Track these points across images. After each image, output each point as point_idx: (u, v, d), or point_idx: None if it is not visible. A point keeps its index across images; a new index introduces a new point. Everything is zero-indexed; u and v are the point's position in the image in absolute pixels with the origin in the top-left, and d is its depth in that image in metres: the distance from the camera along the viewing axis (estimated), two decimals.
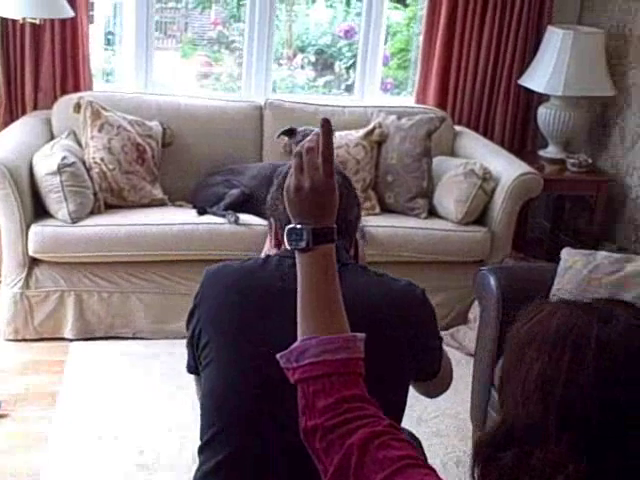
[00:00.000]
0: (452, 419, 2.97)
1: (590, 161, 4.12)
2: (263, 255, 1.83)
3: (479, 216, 3.73)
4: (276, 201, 1.74)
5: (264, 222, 3.58)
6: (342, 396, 1.14)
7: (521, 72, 4.34)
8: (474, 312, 3.45)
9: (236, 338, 1.60)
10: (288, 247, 1.27)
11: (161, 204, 3.70)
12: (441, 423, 2.96)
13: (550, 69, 4.07)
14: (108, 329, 3.47)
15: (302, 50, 5.09)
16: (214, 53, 4.89)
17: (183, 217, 3.52)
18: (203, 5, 4.93)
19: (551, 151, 4.31)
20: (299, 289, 1.27)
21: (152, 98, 4.00)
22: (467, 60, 4.37)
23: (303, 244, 1.22)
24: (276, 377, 1.54)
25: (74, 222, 3.37)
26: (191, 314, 1.69)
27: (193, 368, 1.73)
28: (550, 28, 4.20)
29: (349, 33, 5.22)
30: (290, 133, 3.72)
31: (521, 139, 4.53)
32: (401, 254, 3.58)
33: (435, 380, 1.80)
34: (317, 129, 1.24)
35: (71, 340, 3.40)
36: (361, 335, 1.22)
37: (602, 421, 0.90)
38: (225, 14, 4.88)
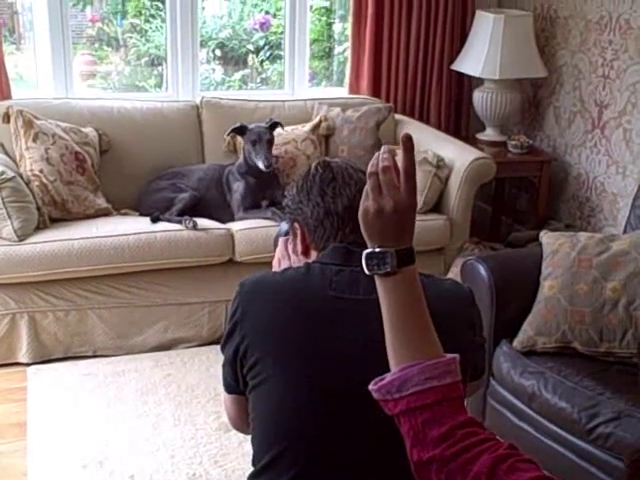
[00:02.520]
0: None
1: (530, 142, 4.19)
2: (279, 266, 1.74)
3: (435, 204, 3.72)
4: (299, 204, 1.65)
5: (222, 225, 3.46)
6: (455, 423, 1.08)
7: (452, 57, 4.36)
8: None
9: (292, 354, 1.50)
10: (367, 272, 1.18)
11: (106, 214, 3.51)
12: None
13: (484, 53, 4.10)
14: (66, 349, 3.26)
15: (202, 45, 4.95)
16: (96, 51, 4.65)
17: (137, 226, 3.34)
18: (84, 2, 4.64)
19: (489, 134, 4.35)
20: (385, 315, 1.19)
21: (82, 103, 3.79)
22: (398, 48, 4.35)
23: (388, 268, 1.14)
24: (338, 392, 1.48)
25: (21, 240, 3.15)
26: (231, 333, 1.57)
27: (234, 388, 1.61)
28: (479, 12, 4.23)
29: (264, 25, 5.13)
30: (241, 131, 3.60)
31: (456, 124, 4.56)
32: None
33: (480, 380, 1.76)
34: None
35: (27, 364, 3.18)
36: (457, 355, 1.17)
37: None
38: (104, 10, 4.63)
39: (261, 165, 3.44)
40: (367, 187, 1.15)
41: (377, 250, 1.15)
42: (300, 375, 1.49)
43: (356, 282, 1.53)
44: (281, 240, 1.83)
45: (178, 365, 3.20)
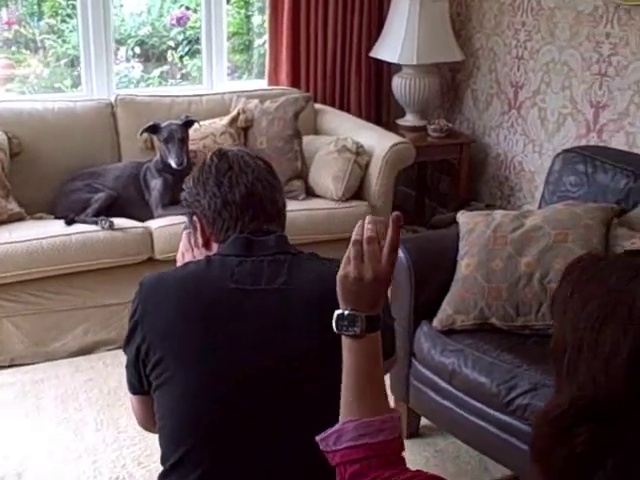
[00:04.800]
0: None
1: (450, 125, 4.22)
2: (183, 260, 1.70)
3: (357, 191, 3.70)
4: (196, 197, 1.62)
5: (140, 224, 3.39)
6: (380, 477, 1.13)
7: (370, 45, 4.36)
8: None
9: (195, 350, 1.46)
10: (335, 330, 1.23)
11: (19, 218, 3.39)
12: None
13: (401, 39, 4.11)
14: None
15: (121, 43, 4.85)
16: (14, 54, 4.51)
17: (51, 229, 3.24)
18: None
19: (409, 119, 4.36)
20: (344, 371, 1.23)
21: None
22: (315, 38, 4.33)
23: (357, 331, 1.21)
24: (242, 385, 1.44)
25: None
26: (131, 333, 1.52)
27: (138, 388, 1.56)
28: None
29: (182, 20, 5.05)
30: (154, 129, 3.53)
31: (377, 111, 4.56)
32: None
33: (391, 359, 1.75)
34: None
35: None
36: (394, 415, 1.21)
37: None
38: (20, 12, 4.50)
39: (173, 163, 3.40)
40: (350, 254, 1.21)
41: (349, 313, 1.21)
42: (203, 371, 1.46)
43: (258, 272, 1.50)
44: (184, 234, 1.79)
45: (100, 368, 3.12)
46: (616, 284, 0.91)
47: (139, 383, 1.54)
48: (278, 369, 1.45)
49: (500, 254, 2.52)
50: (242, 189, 1.57)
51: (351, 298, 1.22)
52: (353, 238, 1.21)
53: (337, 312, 1.22)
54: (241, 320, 1.45)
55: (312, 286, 1.49)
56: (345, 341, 1.23)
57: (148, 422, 1.59)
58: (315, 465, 1.46)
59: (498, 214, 2.67)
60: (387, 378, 2.70)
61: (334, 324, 1.22)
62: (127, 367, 1.55)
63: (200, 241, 1.64)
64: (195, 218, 1.62)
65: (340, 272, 1.22)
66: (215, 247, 1.60)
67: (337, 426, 1.19)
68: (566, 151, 2.98)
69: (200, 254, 1.62)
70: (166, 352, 1.46)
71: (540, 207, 2.92)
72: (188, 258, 1.67)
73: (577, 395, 0.90)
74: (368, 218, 1.22)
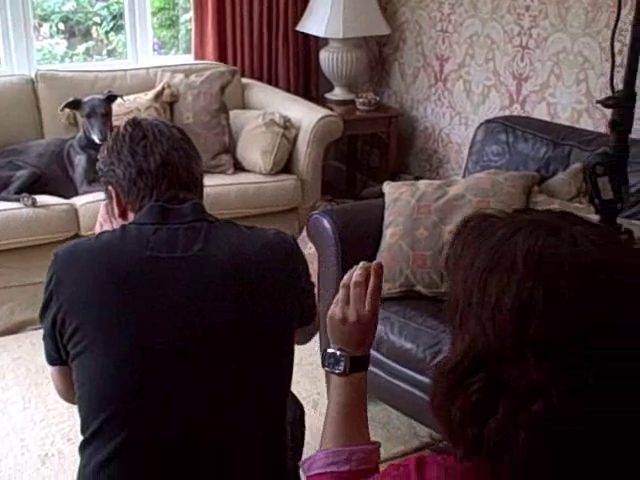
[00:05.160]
0: (300, 365, 2.95)
1: (378, 99, 4.24)
2: (100, 230, 1.69)
3: (285, 165, 3.71)
4: (111, 166, 1.61)
5: (64, 200, 3.33)
6: None
7: (296, 18, 4.34)
8: None
9: (111, 318, 1.46)
10: (323, 367, 1.29)
11: None
12: None
13: (327, 13, 4.10)
14: None
15: (45, 19, 4.73)
16: None
17: None
18: None
19: (338, 93, 4.37)
20: (329, 403, 1.29)
21: None
22: (241, 12, 4.29)
23: (341, 369, 1.27)
24: (160, 352, 1.44)
25: None
26: (47, 303, 1.51)
27: (56, 359, 1.55)
28: None
29: None
30: (75, 105, 3.46)
31: (306, 85, 4.56)
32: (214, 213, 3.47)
33: (311, 325, 1.77)
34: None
35: None
36: (374, 446, 1.25)
37: (582, 343, 0.88)
38: None
39: (96, 138, 3.35)
40: (338, 296, 1.28)
41: (334, 351, 1.28)
42: (120, 339, 1.45)
43: (174, 240, 1.50)
44: (102, 205, 1.77)
45: (27, 347, 3.07)
46: (501, 238, 0.93)
47: (57, 354, 1.53)
48: (194, 336, 1.45)
49: (424, 223, 2.56)
50: (157, 158, 1.56)
51: (337, 338, 1.29)
52: (342, 282, 1.29)
53: (325, 350, 1.29)
54: (158, 288, 1.45)
55: (228, 254, 1.50)
56: (332, 377, 1.29)
57: (68, 393, 1.59)
58: (230, 432, 1.48)
59: (422, 184, 2.71)
60: (316, 344, 2.76)
61: (322, 361, 1.29)
62: (44, 338, 1.54)
63: (116, 211, 1.63)
64: (110, 188, 1.61)
65: (329, 312, 1.29)
66: (132, 216, 1.59)
67: (314, 453, 1.25)
68: (488, 121, 3.04)
69: (117, 224, 1.60)
70: (83, 321, 1.45)
71: (464, 177, 2.97)
72: (106, 228, 1.65)
73: (469, 346, 0.93)
74: (360, 264, 1.29)
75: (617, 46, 1.83)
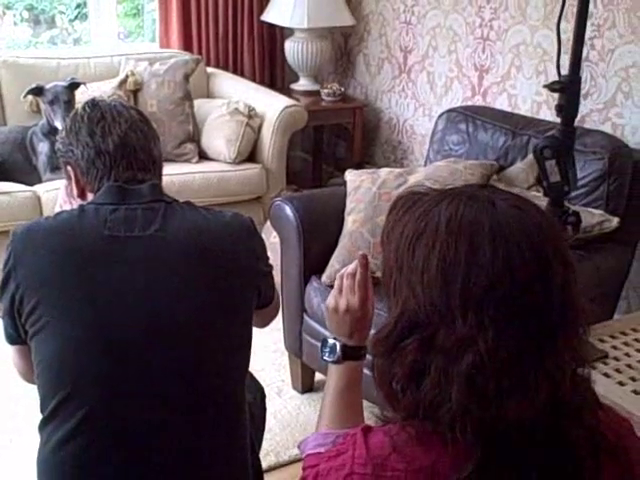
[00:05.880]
0: (264, 352, 2.98)
1: (342, 90, 4.27)
2: (59, 209, 1.71)
3: (250, 154, 3.73)
4: (69, 147, 1.62)
5: (27, 187, 3.32)
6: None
7: (261, 8, 4.36)
8: None
9: (70, 296, 1.47)
10: (321, 358, 1.35)
11: None
12: (253, 357, 2.95)
13: (292, 3, 4.12)
14: None
15: (9, 7, 4.70)
16: None
17: None
18: None
19: (303, 84, 4.39)
20: (325, 390, 1.35)
21: None
22: (206, 1, 4.29)
23: (334, 357, 1.34)
24: (118, 329, 1.46)
25: None
26: (5, 282, 1.52)
27: (15, 338, 1.57)
28: None
29: None
30: (38, 91, 3.45)
31: (271, 75, 4.58)
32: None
33: (270, 307, 1.79)
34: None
35: None
36: (355, 431, 1.25)
37: (504, 296, 0.95)
38: None
39: (59, 126, 3.33)
40: (334, 287, 1.36)
41: (328, 340, 1.35)
42: (78, 316, 1.47)
43: (132, 220, 1.52)
44: (62, 186, 1.78)
45: None
46: (426, 209, 1.01)
47: (16, 333, 1.54)
48: (152, 315, 1.47)
49: (385, 210, 2.58)
50: (115, 139, 1.58)
51: (332, 327, 1.36)
52: (339, 273, 1.36)
53: (324, 339, 1.36)
54: (115, 266, 1.47)
55: (186, 234, 1.52)
56: (329, 365, 1.36)
57: (28, 373, 1.59)
58: (187, 411, 1.51)
59: (383, 172, 2.75)
60: (280, 333, 2.78)
61: (319, 351, 1.35)
62: (3, 317, 1.55)
63: (75, 191, 1.64)
64: (69, 168, 1.62)
65: (325, 303, 1.36)
66: (90, 197, 1.61)
67: (309, 435, 1.31)
68: (449, 111, 3.08)
69: (76, 204, 1.62)
70: (41, 299, 1.47)
71: (425, 165, 3.02)
72: (65, 208, 1.67)
73: (401, 311, 0.99)
74: (362, 253, 1.36)
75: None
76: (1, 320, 1.57)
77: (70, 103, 3.40)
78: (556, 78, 1.61)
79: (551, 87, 1.57)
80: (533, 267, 0.96)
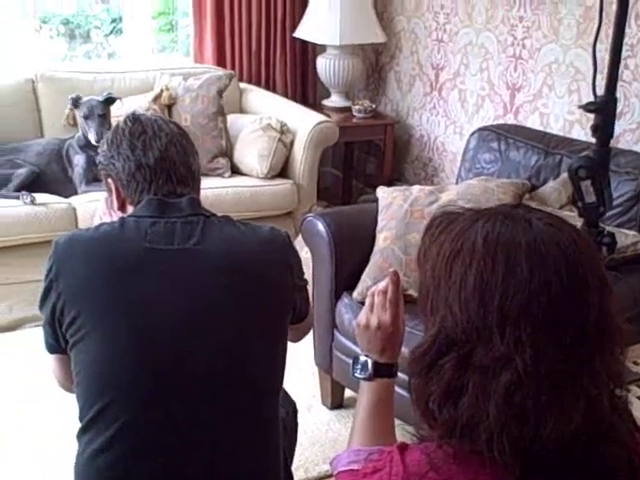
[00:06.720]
0: (294, 367, 2.97)
1: (374, 106, 4.30)
2: (99, 222, 1.73)
3: (282, 169, 3.76)
4: (111, 160, 1.65)
5: (63, 199, 3.38)
6: None
7: (294, 25, 4.40)
8: None
9: (109, 307, 1.50)
10: (350, 374, 1.37)
11: None
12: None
13: (324, 20, 4.16)
14: None
15: (45, 22, 4.80)
16: None
17: None
18: None
19: (334, 100, 4.42)
20: (357, 405, 1.36)
21: None
22: (240, 18, 4.35)
23: (366, 374, 1.35)
24: (159, 340, 1.49)
25: None
26: (47, 292, 1.55)
27: (55, 347, 1.59)
28: None
29: None
30: (76, 102, 3.54)
31: (303, 91, 4.61)
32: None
33: (304, 322, 1.81)
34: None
35: None
36: (385, 448, 1.27)
37: (541, 314, 0.96)
38: None
39: (92, 139, 3.40)
40: (365, 304, 1.38)
41: (360, 357, 1.36)
42: (117, 328, 1.49)
43: (171, 233, 1.54)
44: (103, 198, 1.82)
45: (25, 345, 3.07)
46: (463, 228, 1.02)
47: (56, 342, 1.56)
48: (189, 326, 1.49)
49: (417, 227, 2.60)
50: (156, 152, 1.61)
51: (363, 344, 1.37)
52: (370, 290, 1.37)
53: (356, 356, 1.37)
54: (155, 278, 1.49)
55: (224, 247, 1.54)
56: (360, 381, 1.37)
57: (67, 381, 1.62)
58: (225, 424, 1.52)
59: (415, 189, 2.76)
60: (311, 349, 2.78)
61: (350, 368, 1.36)
62: (44, 326, 1.57)
63: (115, 204, 1.67)
64: (110, 181, 1.66)
65: (356, 319, 1.38)
66: (130, 209, 1.63)
67: (341, 452, 1.30)
68: (481, 129, 3.09)
69: (116, 217, 1.65)
70: (81, 310, 1.49)
71: (457, 183, 3.02)
72: (105, 221, 1.70)
73: (438, 329, 1.00)
74: (392, 271, 1.36)
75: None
76: (42, 329, 1.61)
77: (104, 117, 3.46)
78: (590, 97, 1.61)
79: (586, 108, 1.58)
80: (570, 285, 0.96)
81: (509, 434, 0.93)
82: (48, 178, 3.48)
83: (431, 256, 1.06)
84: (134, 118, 1.66)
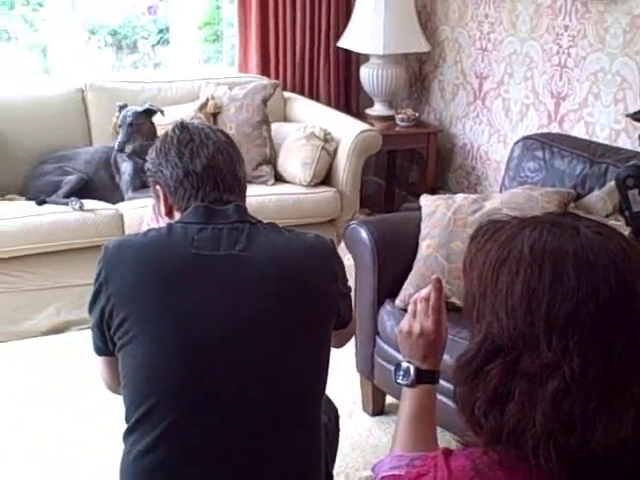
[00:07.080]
0: (336, 373, 2.99)
1: (417, 115, 4.30)
2: (147, 228, 1.77)
3: (325, 177, 3.78)
4: (159, 167, 1.68)
5: (110, 206, 3.45)
6: None
7: (338, 34, 4.43)
8: None
9: (157, 311, 1.53)
10: (395, 381, 1.39)
11: None
12: None
13: (368, 29, 4.18)
14: None
15: (94, 32, 4.89)
16: None
17: (22, 210, 3.30)
18: None
19: (378, 109, 4.44)
20: (400, 411, 1.38)
21: None
22: (284, 27, 4.39)
23: (408, 381, 1.37)
24: (204, 344, 1.51)
25: None
26: (96, 295, 1.58)
27: (103, 350, 1.63)
28: None
29: (152, 9, 5.10)
30: (122, 110, 3.60)
31: (346, 100, 4.64)
32: None
33: (347, 328, 1.82)
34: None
35: None
36: (427, 454, 1.29)
37: (588, 322, 0.96)
38: None
39: (115, 146, 3.51)
40: (408, 311, 1.40)
41: (402, 364, 1.38)
42: (164, 332, 1.52)
43: (218, 239, 1.57)
44: (151, 205, 1.85)
45: (72, 347, 3.14)
46: (509, 236, 1.02)
47: (104, 344, 1.60)
48: (235, 332, 1.51)
49: (460, 235, 2.60)
50: (203, 160, 1.63)
51: (405, 350, 1.39)
52: (413, 298, 1.39)
53: (398, 363, 1.39)
54: (201, 283, 1.52)
55: (269, 254, 1.56)
56: (402, 388, 1.38)
57: (114, 383, 1.65)
58: (277, 420, 1.54)
59: (458, 197, 2.76)
60: (352, 355, 2.79)
61: (392, 374, 1.38)
62: (92, 328, 1.61)
63: (163, 210, 1.70)
64: (158, 187, 1.69)
65: (398, 326, 1.40)
66: (177, 216, 1.66)
67: (383, 457, 1.33)
68: (525, 138, 3.08)
69: (164, 223, 1.68)
70: (129, 313, 1.52)
71: (501, 192, 3.01)
72: (153, 227, 1.73)
73: (485, 335, 1.00)
74: (435, 278, 1.38)
75: None
76: (89, 332, 1.64)
77: (135, 127, 3.52)
78: (636, 106, 1.61)
79: (634, 117, 1.57)
80: (618, 293, 0.96)
81: (556, 441, 0.93)
82: (96, 185, 3.56)
83: (477, 264, 1.06)
84: (182, 126, 1.70)
